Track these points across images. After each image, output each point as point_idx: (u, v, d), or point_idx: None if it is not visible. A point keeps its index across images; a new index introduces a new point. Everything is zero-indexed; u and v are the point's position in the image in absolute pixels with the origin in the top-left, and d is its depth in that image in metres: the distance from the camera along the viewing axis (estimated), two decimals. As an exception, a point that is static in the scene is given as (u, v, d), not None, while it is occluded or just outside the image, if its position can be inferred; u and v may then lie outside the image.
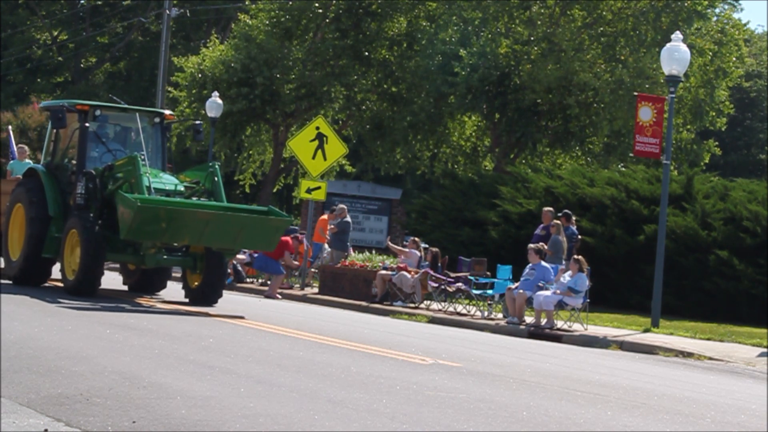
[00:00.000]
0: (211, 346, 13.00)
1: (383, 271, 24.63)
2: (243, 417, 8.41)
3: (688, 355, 17.24)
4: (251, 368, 11.24)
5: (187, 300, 20.16)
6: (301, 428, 8.18)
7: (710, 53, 34.99)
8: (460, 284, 22.94)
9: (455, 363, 13.17)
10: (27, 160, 24.17)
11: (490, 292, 22.40)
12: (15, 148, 26.74)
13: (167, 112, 22.02)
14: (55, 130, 21.19)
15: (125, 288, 21.95)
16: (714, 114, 36.59)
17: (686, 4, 34.20)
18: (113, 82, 58.26)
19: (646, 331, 20.38)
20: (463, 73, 33.88)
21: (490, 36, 34.97)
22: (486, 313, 22.07)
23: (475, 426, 8.79)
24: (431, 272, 23.64)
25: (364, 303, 24.10)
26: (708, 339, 19.73)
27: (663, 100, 22.57)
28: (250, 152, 41.68)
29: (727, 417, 10.57)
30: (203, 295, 19.91)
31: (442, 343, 16.44)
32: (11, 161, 24.79)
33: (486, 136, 38.99)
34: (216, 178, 19.74)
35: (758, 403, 11.79)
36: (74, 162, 20.56)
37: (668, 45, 21.88)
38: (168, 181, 20.07)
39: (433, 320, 21.73)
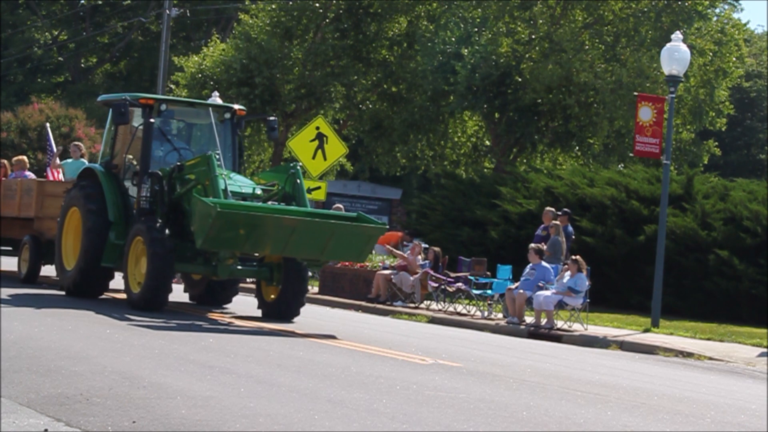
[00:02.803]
0: (211, 346, 13.00)
1: (383, 271, 24.63)
2: (243, 417, 8.40)
3: (688, 355, 17.25)
4: (251, 368, 11.24)
5: (261, 314, 18.35)
6: (301, 428, 8.17)
7: (710, 53, 34.96)
8: (460, 284, 22.94)
9: (455, 363, 13.17)
10: (83, 160, 22.68)
11: (490, 292, 22.39)
12: (54, 146, 25.63)
13: (237, 106, 19.75)
14: (113, 127, 19.39)
15: (187, 298, 20.13)
16: (714, 114, 36.55)
17: (687, 5, 34.18)
18: (113, 82, 58.26)
19: (646, 331, 20.38)
20: (464, 72, 33.86)
21: (490, 35, 34.95)
22: (486, 313, 22.06)
23: (475, 426, 8.79)
24: (431, 272, 23.63)
25: (364, 303, 24.09)
26: (708, 339, 19.73)
27: (663, 100, 22.56)
28: (249, 152, 41.64)
29: (727, 417, 10.57)
30: (280, 310, 17.98)
31: (442, 343, 16.44)
32: (66, 160, 23.30)
33: (486, 135, 38.98)
34: (298, 181, 17.83)
35: (758, 403, 11.79)
36: (135, 161, 18.82)
37: (668, 45, 21.89)
38: (243, 183, 18.06)
39: (433, 320, 21.72)
